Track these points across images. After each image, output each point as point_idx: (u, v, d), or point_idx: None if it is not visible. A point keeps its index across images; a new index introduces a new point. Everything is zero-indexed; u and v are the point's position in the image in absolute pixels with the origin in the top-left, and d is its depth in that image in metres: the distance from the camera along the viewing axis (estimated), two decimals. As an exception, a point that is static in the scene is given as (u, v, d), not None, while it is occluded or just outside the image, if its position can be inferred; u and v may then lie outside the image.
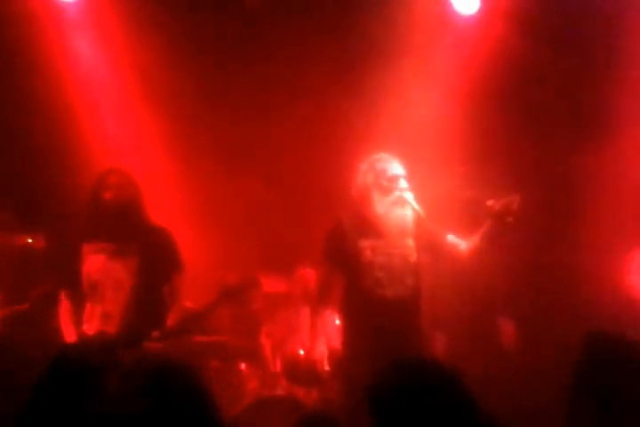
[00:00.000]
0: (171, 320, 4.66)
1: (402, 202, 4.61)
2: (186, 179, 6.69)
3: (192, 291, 4.90)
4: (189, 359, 4.55)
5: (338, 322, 5.25)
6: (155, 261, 4.67)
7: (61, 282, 4.76)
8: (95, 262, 4.65)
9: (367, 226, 4.61)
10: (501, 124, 6.27)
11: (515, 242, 5.24)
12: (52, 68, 6.32)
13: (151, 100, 6.57)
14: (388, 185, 4.61)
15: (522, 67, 6.19)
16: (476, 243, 4.58)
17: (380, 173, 4.63)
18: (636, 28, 5.84)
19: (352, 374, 4.41)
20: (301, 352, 5.60)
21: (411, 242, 4.63)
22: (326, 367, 5.35)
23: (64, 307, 4.69)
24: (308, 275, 6.15)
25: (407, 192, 4.60)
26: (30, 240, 6.06)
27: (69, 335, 4.59)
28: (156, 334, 4.53)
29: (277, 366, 5.84)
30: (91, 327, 4.60)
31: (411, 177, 4.67)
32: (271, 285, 6.30)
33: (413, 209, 4.60)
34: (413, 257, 4.62)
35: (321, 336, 4.91)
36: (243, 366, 5.82)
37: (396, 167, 4.66)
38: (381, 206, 4.61)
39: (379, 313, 4.50)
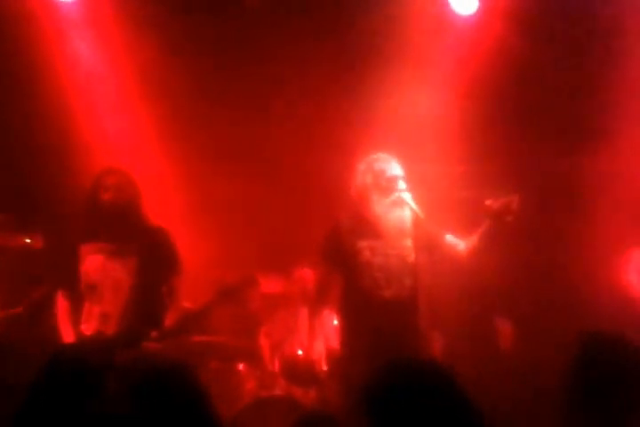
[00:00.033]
0: (169, 320, 4.66)
1: (400, 203, 4.61)
2: (184, 179, 6.68)
3: (190, 291, 4.89)
4: (188, 359, 4.56)
5: (336, 322, 5.27)
6: (153, 261, 4.67)
7: (59, 282, 4.75)
8: (93, 262, 4.64)
9: (365, 226, 4.62)
10: (500, 124, 6.28)
11: (513, 242, 5.23)
12: (50, 67, 6.30)
13: (150, 100, 6.56)
14: (386, 186, 4.61)
15: (520, 67, 6.20)
16: (474, 243, 4.58)
17: (378, 173, 4.63)
18: (635, 28, 5.84)
19: (350, 374, 4.42)
20: (300, 352, 5.60)
21: (409, 242, 4.63)
22: (324, 367, 5.37)
23: (62, 307, 4.68)
24: (307, 275, 6.14)
25: (405, 193, 4.60)
26: (28, 240, 6.06)
27: (67, 335, 4.59)
28: (154, 334, 4.53)
29: (276, 366, 5.83)
30: (89, 327, 4.60)
31: (409, 177, 4.67)
32: (270, 285, 6.29)
33: (412, 209, 4.60)
34: (411, 257, 4.63)
35: (319, 336, 4.92)
36: (241, 366, 5.81)
37: (394, 168, 4.66)
38: (380, 207, 4.61)
39: (377, 313, 4.50)
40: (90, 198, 4.70)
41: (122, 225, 4.66)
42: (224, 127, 6.76)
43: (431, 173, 5.81)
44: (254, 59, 6.61)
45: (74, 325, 4.63)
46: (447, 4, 6.21)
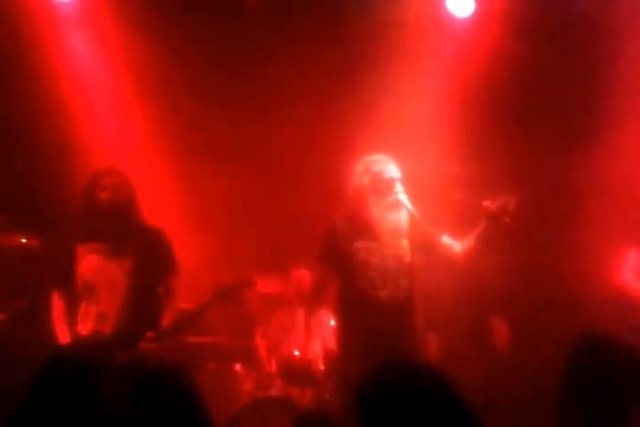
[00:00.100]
0: (166, 321, 4.66)
1: (397, 205, 4.60)
2: (182, 179, 6.68)
3: (187, 291, 4.89)
4: (184, 360, 4.59)
5: (332, 322, 5.27)
6: (150, 261, 4.66)
7: (56, 282, 4.74)
8: (90, 263, 4.63)
9: (362, 228, 4.61)
10: (497, 126, 6.28)
11: (509, 243, 5.23)
12: (48, 67, 6.31)
13: (150, 100, 6.57)
14: (384, 188, 4.60)
15: (516, 68, 6.21)
16: (470, 244, 4.57)
17: (376, 175, 4.62)
18: (631, 29, 5.84)
19: (346, 374, 4.41)
20: (296, 353, 5.61)
21: (405, 243, 4.63)
22: (321, 367, 5.39)
23: (58, 307, 4.67)
24: (304, 276, 6.15)
25: (402, 195, 4.60)
26: (24, 240, 6.05)
27: (63, 336, 4.57)
28: (150, 334, 4.52)
29: (273, 366, 5.83)
30: (85, 328, 4.59)
31: (407, 177, 4.66)
32: (266, 285, 6.29)
33: (408, 210, 4.60)
34: (408, 258, 4.63)
35: (316, 337, 4.93)
36: (238, 366, 5.81)
37: (392, 170, 4.65)
38: (377, 209, 4.60)
39: (373, 314, 4.50)
40: (87, 197, 4.68)
41: (118, 225, 4.65)
42: (224, 127, 6.76)
43: (429, 173, 5.81)
44: (254, 59, 6.62)
45: (70, 325, 4.61)
46: (444, 6, 6.23)
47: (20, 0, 6.09)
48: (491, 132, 6.26)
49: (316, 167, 6.54)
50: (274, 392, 5.56)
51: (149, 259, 4.66)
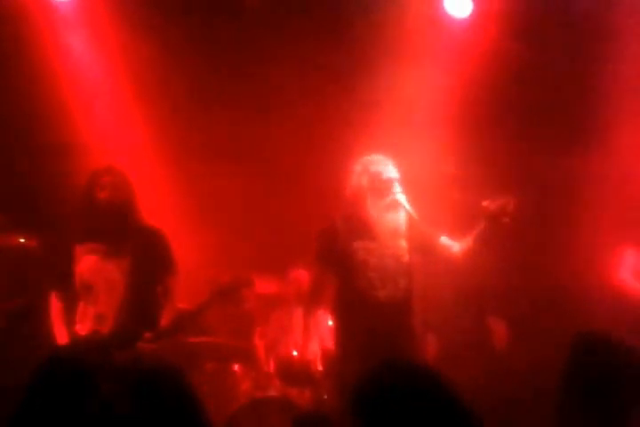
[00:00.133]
0: (164, 321, 4.66)
1: (396, 205, 4.61)
2: (181, 179, 6.69)
3: (185, 291, 4.89)
4: (183, 360, 4.59)
5: (330, 323, 5.27)
6: (148, 261, 4.66)
7: (54, 282, 4.74)
8: (88, 263, 4.63)
9: (361, 228, 4.61)
10: (495, 126, 6.29)
11: (507, 243, 5.24)
12: (46, 67, 6.31)
13: (149, 100, 6.57)
14: (382, 189, 4.60)
15: (515, 68, 6.21)
16: (469, 244, 4.58)
17: (374, 176, 4.62)
18: (628, 29, 5.85)
19: (345, 374, 4.40)
20: (295, 353, 5.61)
21: (403, 243, 4.63)
22: (319, 368, 5.39)
23: (56, 308, 4.67)
24: (302, 276, 6.14)
25: (401, 195, 4.60)
26: (22, 240, 6.05)
27: (61, 336, 4.57)
28: (149, 334, 4.52)
29: (271, 366, 5.84)
30: (83, 328, 4.59)
31: (405, 177, 4.67)
32: (265, 285, 6.30)
33: (407, 211, 4.60)
34: (406, 258, 4.63)
35: (314, 337, 4.93)
36: (236, 366, 5.80)
37: (390, 170, 4.65)
38: (375, 210, 4.61)
39: (371, 314, 4.50)
40: (85, 197, 4.68)
41: (117, 224, 4.65)
42: (224, 127, 6.76)
43: (427, 173, 5.81)
44: (254, 59, 6.62)
45: (68, 325, 4.62)
46: (442, 7, 6.24)
47: (20, 0, 6.09)
48: (489, 132, 6.26)
49: (316, 167, 6.53)
50: (272, 392, 5.56)
51: (148, 259, 4.66)
